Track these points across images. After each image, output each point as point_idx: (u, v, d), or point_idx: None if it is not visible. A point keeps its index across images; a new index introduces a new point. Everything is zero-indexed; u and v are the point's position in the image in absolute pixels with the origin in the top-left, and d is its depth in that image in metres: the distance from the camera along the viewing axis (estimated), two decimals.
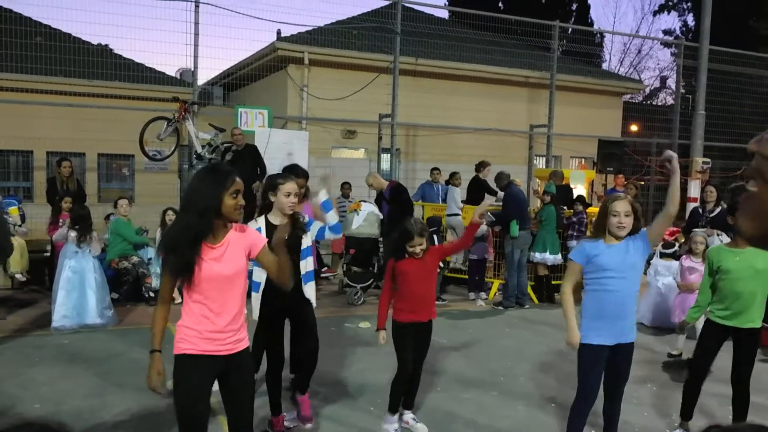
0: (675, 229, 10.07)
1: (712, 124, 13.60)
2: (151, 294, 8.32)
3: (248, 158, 9.42)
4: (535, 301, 9.47)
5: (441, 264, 8.85)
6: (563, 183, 10.69)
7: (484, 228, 9.22)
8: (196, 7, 10.34)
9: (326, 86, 12.54)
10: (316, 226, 4.52)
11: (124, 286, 8.46)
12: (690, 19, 30.87)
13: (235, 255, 2.98)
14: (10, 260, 7.69)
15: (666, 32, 31.86)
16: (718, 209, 8.22)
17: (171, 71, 13.49)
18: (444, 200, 10.59)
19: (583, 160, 15.71)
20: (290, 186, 4.19)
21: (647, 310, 8.05)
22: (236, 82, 13.76)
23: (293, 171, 4.66)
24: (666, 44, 31.51)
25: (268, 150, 9.95)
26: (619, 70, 29.12)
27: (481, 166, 10.64)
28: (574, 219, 9.61)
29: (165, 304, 2.99)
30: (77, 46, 11.50)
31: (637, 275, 3.75)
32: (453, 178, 10.51)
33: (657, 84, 29.21)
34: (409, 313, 4.36)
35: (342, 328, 7.56)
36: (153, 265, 8.56)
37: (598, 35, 28.19)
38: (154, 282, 8.39)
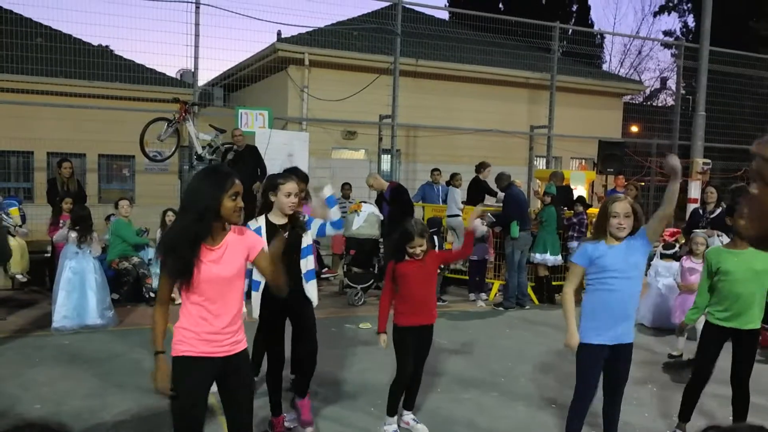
0: (675, 230, 10.09)
1: (712, 125, 13.60)
2: (152, 294, 8.32)
3: (249, 159, 9.42)
4: (536, 301, 9.47)
5: (441, 265, 8.86)
6: (563, 184, 10.69)
7: (484, 229, 9.23)
8: (197, 8, 10.35)
9: (327, 87, 12.55)
10: (316, 223, 4.52)
11: (124, 286, 8.46)
12: (690, 20, 30.90)
13: (233, 257, 2.98)
14: (10, 261, 7.69)
15: (666, 33, 31.90)
16: (719, 210, 8.21)
17: (171, 72, 13.54)
18: (444, 201, 10.59)
19: (583, 161, 15.72)
20: (291, 186, 4.19)
21: (648, 311, 8.05)
22: (237, 83, 13.77)
23: (293, 173, 4.67)
24: (666, 45, 31.57)
25: (268, 151, 9.95)
26: (619, 71, 29.14)
27: (481, 167, 10.64)
28: (575, 220, 9.61)
29: (164, 305, 2.98)
30: (78, 47, 11.51)
31: (639, 275, 3.76)
32: (453, 179, 10.51)
33: (657, 85, 29.23)
34: (410, 316, 4.35)
35: (342, 328, 7.56)
36: (153, 265, 8.56)
37: (599, 36, 28.22)
38: (155, 283, 8.39)
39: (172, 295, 3.00)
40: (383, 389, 4.77)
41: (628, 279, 3.69)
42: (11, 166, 12.71)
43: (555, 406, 5.11)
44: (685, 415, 4.52)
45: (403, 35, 11.95)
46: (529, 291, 9.49)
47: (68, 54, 11.17)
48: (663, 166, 3.88)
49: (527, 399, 5.35)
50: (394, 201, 8.82)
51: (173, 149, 9.95)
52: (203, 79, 13.24)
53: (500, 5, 28.98)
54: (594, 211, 9.37)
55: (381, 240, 9.20)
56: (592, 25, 30.75)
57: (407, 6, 12.57)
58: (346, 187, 11.65)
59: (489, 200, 10.92)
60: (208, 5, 10.47)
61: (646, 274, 7.98)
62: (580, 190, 11.67)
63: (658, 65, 43.48)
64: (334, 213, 4.65)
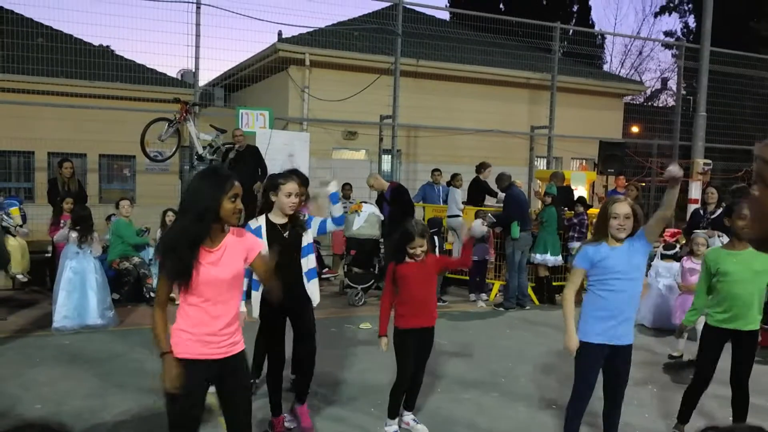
0: (676, 230, 10.09)
1: (713, 125, 13.59)
2: (152, 294, 8.31)
3: (249, 159, 9.43)
4: (536, 302, 9.47)
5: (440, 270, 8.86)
6: (564, 184, 10.69)
7: (484, 229, 9.23)
8: (198, 8, 10.36)
9: (327, 87, 12.55)
10: (316, 221, 4.53)
11: (125, 286, 8.47)
12: (691, 21, 30.89)
13: (232, 259, 2.98)
14: (10, 261, 7.69)
15: (667, 34, 31.89)
16: (719, 211, 8.21)
17: (172, 72, 13.54)
18: (445, 201, 10.59)
19: (584, 161, 15.72)
20: (291, 186, 4.20)
21: (648, 312, 8.05)
22: (237, 84, 13.77)
23: (295, 175, 4.66)
24: (667, 46, 31.54)
25: (269, 151, 9.95)
26: (620, 72, 29.13)
27: (481, 167, 10.65)
28: (575, 220, 9.61)
29: (162, 307, 2.97)
30: (79, 47, 11.52)
31: (640, 276, 3.78)
32: (454, 180, 10.52)
33: (658, 85, 29.25)
34: (411, 318, 4.35)
35: (343, 328, 7.56)
36: (154, 265, 8.56)
37: (599, 37, 28.22)
38: (155, 283, 8.38)
39: (171, 294, 3.00)
40: (383, 389, 4.77)
41: (630, 280, 3.71)
42: (12, 166, 12.72)
43: (555, 406, 5.11)
44: (684, 416, 4.52)
45: (403, 35, 11.95)
46: (530, 291, 9.49)
47: (69, 54, 11.18)
48: (663, 174, 3.89)
49: (527, 399, 5.35)
50: (395, 201, 8.82)
51: (174, 149, 9.96)
52: (204, 79, 13.22)
53: (501, 6, 28.99)
54: (594, 211, 9.37)
55: (381, 240, 9.20)
56: (592, 26, 30.75)
57: (408, 6, 12.57)
58: (346, 188, 11.65)
59: (489, 200, 10.92)
60: (209, 5, 10.48)
61: (646, 275, 7.99)
62: (580, 191, 11.67)
63: (659, 66, 43.57)
64: (337, 209, 4.66)
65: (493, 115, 14.09)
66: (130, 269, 8.50)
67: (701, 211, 8.84)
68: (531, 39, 13.95)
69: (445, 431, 4.66)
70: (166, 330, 2.95)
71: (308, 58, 12.80)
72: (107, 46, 13.62)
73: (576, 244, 9.31)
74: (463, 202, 10.38)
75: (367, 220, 8.90)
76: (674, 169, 3.53)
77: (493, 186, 10.01)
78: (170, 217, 8.55)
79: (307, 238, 4.40)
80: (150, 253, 8.78)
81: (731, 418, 4.43)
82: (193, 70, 10.78)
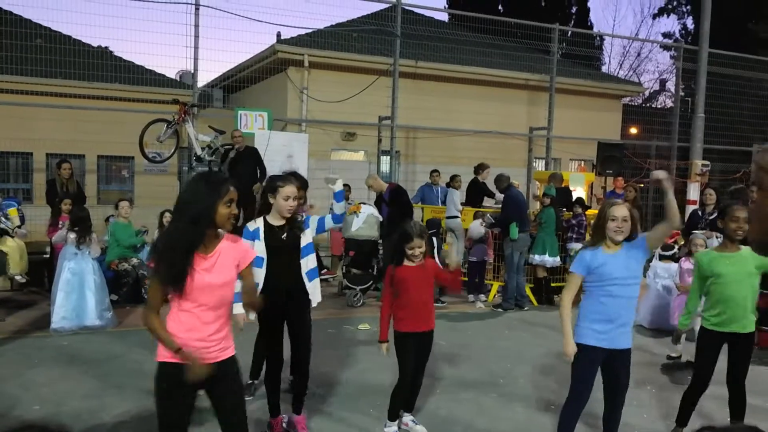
0: (674, 231, 10.10)
1: (711, 126, 13.63)
2: None
3: (249, 160, 9.43)
4: (535, 303, 9.47)
5: (440, 266, 8.86)
6: (563, 185, 10.70)
7: (482, 230, 9.24)
8: (196, 9, 10.36)
9: (326, 88, 12.56)
10: (314, 220, 4.53)
11: (123, 287, 8.46)
12: (689, 22, 30.89)
13: (225, 266, 2.97)
14: (10, 262, 7.69)
15: (665, 35, 31.89)
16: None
17: (171, 73, 13.54)
18: (443, 202, 10.60)
19: (582, 162, 15.73)
20: (289, 189, 4.20)
21: (647, 312, 8.06)
22: (236, 85, 13.78)
23: (294, 178, 4.66)
24: (665, 47, 31.56)
25: (267, 152, 9.96)
26: (618, 73, 29.15)
27: (480, 168, 10.66)
28: (574, 221, 9.63)
29: (155, 311, 2.93)
30: (77, 48, 11.51)
31: (637, 282, 3.77)
32: (453, 181, 10.53)
33: (656, 87, 29.24)
34: (411, 322, 4.34)
35: (341, 329, 7.56)
36: None
37: (598, 38, 28.25)
38: None
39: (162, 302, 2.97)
40: (383, 390, 4.78)
41: (627, 286, 3.71)
42: (10, 167, 12.71)
43: (554, 407, 5.11)
44: (683, 418, 4.52)
45: (402, 37, 11.96)
46: (528, 292, 9.49)
47: (68, 55, 11.18)
48: (654, 185, 3.98)
49: (526, 400, 5.36)
50: (394, 202, 8.82)
51: (172, 150, 9.95)
52: (203, 80, 13.28)
53: (500, 7, 28.99)
54: (593, 212, 9.39)
55: (380, 241, 9.20)
56: (591, 27, 30.77)
57: (407, 8, 12.59)
58: (345, 189, 11.62)
59: (488, 201, 10.93)
60: (208, 7, 10.48)
61: (645, 276, 8.00)
62: (579, 192, 11.69)
63: (658, 67, 43.63)
64: (339, 207, 4.68)
65: (491, 117, 14.10)
66: (129, 270, 8.50)
67: (699, 212, 8.85)
68: (530, 40, 13.96)
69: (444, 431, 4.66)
70: (166, 329, 2.93)
71: (307, 59, 12.80)
72: (106, 47, 13.63)
73: (574, 245, 9.33)
74: (461, 203, 10.39)
75: (365, 221, 8.90)
76: (657, 173, 3.66)
77: (491, 187, 10.01)
78: (168, 218, 8.54)
79: (306, 238, 4.40)
80: (147, 252, 8.77)
81: (729, 419, 4.43)
82: (192, 71, 10.78)
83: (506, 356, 6.69)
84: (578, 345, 3.76)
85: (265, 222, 4.30)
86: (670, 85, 24.55)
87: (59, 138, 11.87)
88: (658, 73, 35.21)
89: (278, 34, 12.80)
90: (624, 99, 17.84)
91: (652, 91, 28.86)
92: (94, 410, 4.81)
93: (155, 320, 2.91)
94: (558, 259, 9.33)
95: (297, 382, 4.51)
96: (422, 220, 9.82)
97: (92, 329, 7.12)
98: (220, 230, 2.99)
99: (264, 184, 4.50)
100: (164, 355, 2.94)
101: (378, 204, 9.28)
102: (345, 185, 11.42)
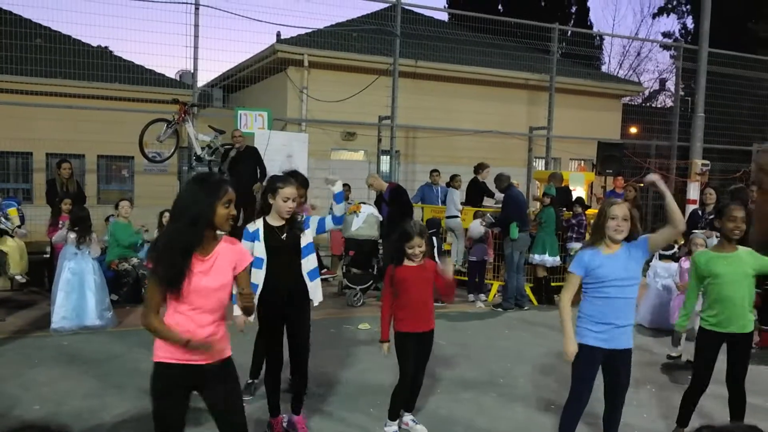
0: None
1: (711, 126, 13.62)
2: None
3: (249, 160, 9.43)
4: (535, 302, 9.47)
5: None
6: (562, 185, 10.70)
7: (482, 230, 9.24)
8: (196, 9, 10.36)
9: (326, 88, 12.56)
10: (314, 221, 4.53)
11: (124, 287, 8.46)
12: (689, 22, 30.90)
13: (222, 269, 2.96)
14: (10, 262, 7.69)
15: (665, 35, 31.89)
16: None
17: (171, 73, 13.54)
18: (443, 202, 10.61)
19: (582, 162, 15.73)
20: (289, 191, 4.21)
21: (646, 312, 8.06)
22: (236, 84, 13.77)
23: (295, 178, 4.66)
24: (665, 47, 31.56)
25: (267, 152, 9.96)
26: (618, 73, 29.14)
27: (479, 168, 10.66)
28: (574, 221, 9.63)
29: (155, 311, 2.91)
30: (77, 48, 11.51)
31: (635, 283, 3.76)
32: (453, 181, 10.53)
33: (656, 86, 29.23)
34: (411, 322, 4.35)
35: (341, 329, 7.57)
36: None
37: (598, 38, 28.24)
38: None
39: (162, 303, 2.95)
40: (383, 389, 4.78)
41: (625, 287, 3.70)
42: (10, 167, 12.70)
43: (554, 406, 5.11)
44: (683, 419, 4.52)
45: (402, 36, 11.96)
46: (528, 292, 9.50)
47: (67, 55, 11.18)
48: (647, 186, 4.03)
49: (526, 400, 5.36)
50: (394, 202, 8.83)
51: (172, 150, 9.96)
52: (202, 80, 13.26)
53: (499, 7, 28.99)
54: (593, 212, 9.39)
55: (380, 241, 9.20)
56: (591, 27, 30.77)
57: (406, 7, 12.58)
58: (345, 188, 11.60)
59: (488, 201, 10.93)
60: (208, 6, 10.48)
61: (645, 275, 8.00)
62: (579, 192, 11.69)
63: (657, 66, 43.52)
64: (339, 209, 4.68)
65: (491, 116, 14.10)
66: (129, 270, 8.50)
67: (699, 212, 8.85)
68: (529, 40, 13.96)
69: (444, 431, 4.66)
70: (170, 326, 2.91)
71: (307, 59, 12.80)
72: (105, 47, 13.62)
73: (574, 245, 9.33)
74: (461, 203, 10.40)
75: (365, 220, 8.91)
76: (649, 176, 3.74)
77: (492, 187, 10.01)
78: (167, 218, 8.53)
79: (307, 238, 4.40)
80: (146, 251, 8.77)
81: (729, 419, 4.43)
82: (192, 71, 10.78)
83: (506, 356, 6.69)
84: (578, 345, 3.77)
85: (265, 223, 4.31)
86: (670, 85, 24.57)
87: (59, 138, 11.87)
88: (658, 72, 35.14)
89: (278, 34, 12.82)
90: (624, 98, 17.84)
91: (651, 90, 28.88)
92: (94, 410, 4.81)
93: (155, 320, 2.90)
94: (558, 258, 9.33)
95: (296, 382, 4.52)
96: (422, 220, 9.82)
97: (92, 329, 7.12)
98: (218, 232, 2.99)
99: (264, 184, 4.50)
100: (160, 355, 2.93)
101: (378, 203, 9.28)
102: (345, 185, 11.47)
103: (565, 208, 9.92)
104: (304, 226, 4.42)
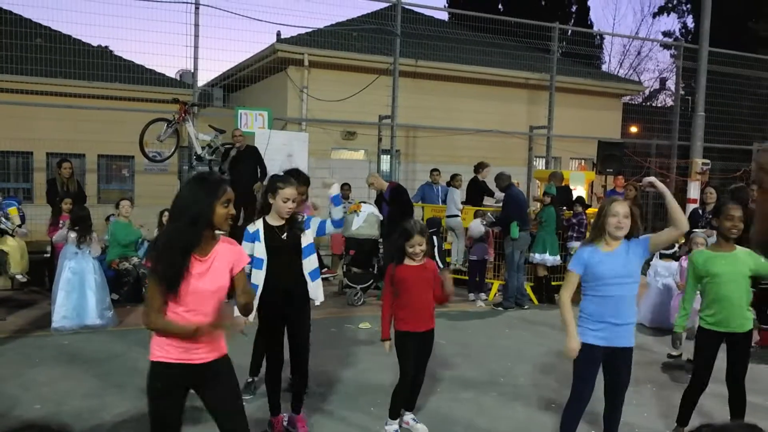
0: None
1: (711, 125, 13.62)
2: None
3: (249, 159, 9.43)
4: (535, 302, 9.47)
5: (441, 265, 8.87)
6: (563, 184, 10.70)
7: (482, 229, 9.24)
8: (196, 8, 10.35)
9: (326, 88, 12.55)
10: (315, 222, 4.53)
11: (124, 287, 8.47)
12: (689, 21, 30.90)
13: (220, 271, 2.96)
14: (10, 261, 7.70)
15: (665, 34, 31.89)
16: None
17: (171, 73, 13.53)
18: (444, 201, 10.61)
19: (582, 161, 15.73)
20: (289, 191, 4.21)
21: (647, 311, 8.06)
22: (236, 84, 13.77)
23: (295, 177, 4.65)
24: (665, 46, 31.56)
25: (267, 151, 9.95)
26: (618, 72, 29.14)
27: (479, 167, 10.66)
28: (574, 220, 9.62)
29: (158, 311, 2.89)
30: (77, 48, 11.51)
31: (634, 281, 3.75)
32: (453, 180, 10.53)
33: (656, 85, 29.22)
34: (411, 322, 4.35)
35: (342, 328, 7.57)
36: None
37: (598, 37, 28.23)
38: None
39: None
40: (383, 389, 4.78)
41: (623, 285, 3.69)
42: (11, 166, 12.71)
43: (554, 405, 5.12)
44: (683, 418, 4.52)
45: (402, 36, 11.95)
46: (529, 291, 9.50)
47: (67, 54, 11.17)
48: (644, 189, 4.06)
49: (526, 399, 5.36)
50: (394, 201, 8.83)
51: (173, 150, 9.96)
52: (203, 79, 13.24)
53: (500, 6, 28.98)
54: (593, 211, 9.38)
55: (380, 240, 9.20)
56: (591, 26, 30.76)
57: (407, 7, 12.57)
58: (345, 188, 11.64)
59: (488, 200, 10.93)
60: (208, 6, 10.47)
61: (645, 274, 8.00)
62: (579, 191, 11.69)
63: (658, 66, 43.48)
64: (337, 212, 4.67)
65: (491, 116, 14.09)
66: (130, 269, 8.50)
67: (700, 211, 8.85)
68: (530, 39, 13.95)
69: (444, 431, 4.66)
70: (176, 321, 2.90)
71: (307, 58, 12.79)
72: (106, 47, 13.62)
73: (575, 244, 9.33)
74: (462, 202, 10.39)
75: (366, 220, 8.91)
76: (646, 179, 3.78)
77: (492, 186, 10.01)
78: (167, 217, 8.53)
79: (307, 238, 4.41)
80: (144, 250, 8.77)
81: (729, 418, 4.43)
82: (192, 71, 10.78)
83: (507, 355, 6.69)
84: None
85: (265, 223, 4.31)
86: (670, 84, 24.55)
87: (59, 137, 11.86)
88: (659, 71, 35.15)
89: (278, 33, 12.81)
90: (624, 98, 17.83)
91: (652, 89, 28.87)
92: (95, 409, 4.81)
93: (159, 319, 2.89)
94: (558, 257, 9.32)
95: (297, 381, 4.52)
96: (422, 219, 9.82)
97: (93, 328, 7.12)
98: (216, 232, 2.99)
99: (265, 183, 4.50)
100: (158, 354, 2.94)
101: (378, 203, 9.28)
102: (345, 184, 11.53)
103: (565, 208, 9.92)
104: (304, 226, 4.42)
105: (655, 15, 32.27)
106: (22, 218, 8.48)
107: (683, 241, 8.54)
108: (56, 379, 5.49)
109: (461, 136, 13.75)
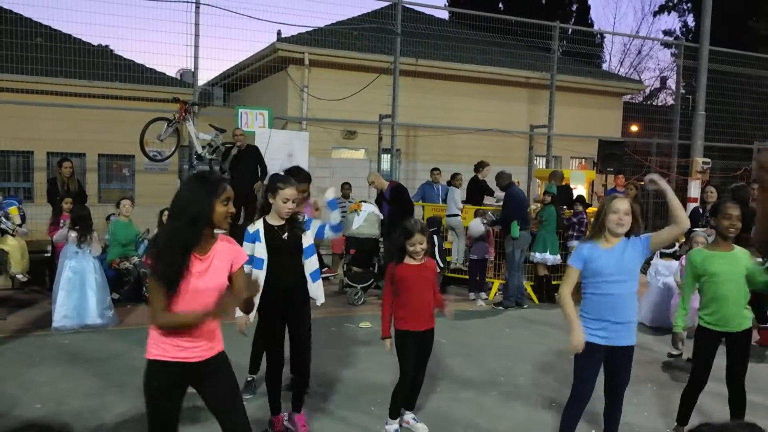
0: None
1: (712, 124, 13.61)
2: None
3: (250, 159, 9.44)
4: (535, 301, 9.47)
5: (441, 264, 8.88)
6: (563, 183, 10.70)
7: (483, 228, 9.24)
8: (197, 7, 10.36)
9: (326, 87, 12.56)
10: (315, 224, 4.53)
11: (125, 286, 8.47)
12: (690, 20, 30.90)
13: (219, 269, 2.97)
14: (11, 260, 7.70)
15: (666, 33, 31.89)
16: None
17: (171, 72, 13.54)
18: (444, 201, 10.61)
19: (583, 160, 15.72)
20: (289, 192, 4.20)
21: (647, 310, 8.05)
22: (237, 83, 13.77)
23: (297, 175, 4.65)
24: (666, 45, 31.56)
25: (268, 151, 9.96)
26: (619, 71, 29.14)
27: (480, 166, 10.66)
28: (575, 219, 9.62)
29: (163, 310, 2.87)
30: (77, 47, 11.50)
31: (633, 278, 3.74)
32: (454, 179, 10.53)
33: (657, 84, 29.23)
34: (411, 321, 4.35)
35: (342, 328, 7.57)
36: None
37: (598, 36, 28.21)
38: None
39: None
40: (383, 389, 4.78)
41: (622, 283, 3.68)
42: (11, 166, 12.71)
43: (555, 405, 5.12)
44: (683, 417, 4.52)
45: (403, 35, 11.95)
46: (529, 290, 9.50)
47: (68, 54, 11.17)
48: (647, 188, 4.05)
49: (527, 398, 5.36)
50: (394, 200, 8.83)
51: (173, 149, 9.96)
52: (203, 78, 13.23)
53: (500, 5, 28.98)
54: (594, 210, 9.38)
55: (381, 239, 9.20)
56: (591, 25, 30.76)
57: (407, 6, 12.57)
58: (345, 187, 11.65)
59: (488, 200, 10.93)
60: (208, 5, 10.47)
61: (646, 273, 8.00)
62: (579, 190, 11.69)
63: (658, 65, 43.49)
64: (335, 217, 4.66)
65: (492, 115, 14.09)
66: (130, 269, 8.51)
67: (700, 210, 8.84)
68: (530, 38, 13.95)
69: (444, 430, 4.66)
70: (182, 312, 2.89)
71: (307, 57, 12.79)
72: (106, 46, 13.62)
73: (575, 243, 9.32)
74: (462, 202, 10.39)
75: (366, 219, 8.91)
76: (649, 176, 3.76)
77: (492, 185, 10.00)
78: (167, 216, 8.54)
79: (308, 239, 4.41)
80: (144, 248, 8.77)
81: (729, 417, 4.43)
82: (193, 70, 10.78)
83: (507, 354, 6.69)
84: None
85: (265, 223, 4.31)
86: (671, 83, 24.52)
87: (60, 137, 11.87)
88: (659, 70, 35.15)
89: (278, 33, 12.81)
90: (625, 97, 17.83)
91: (652, 88, 28.87)
92: (95, 409, 4.82)
93: (166, 315, 2.87)
94: (559, 257, 9.32)
95: (297, 381, 4.52)
96: (423, 219, 9.82)
97: (93, 328, 7.13)
98: (216, 230, 2.99)
99: (265, 182, 4.50)
100: (155, 353, 2.94)
101: (379, 202, 9.29)
102: (346, 183, 11.52)
103: (566, 207, 9.92)
104: (305, 226, 4.42)
105: (655, 14, 32.35)
106: (23, 218, 8.49)
107: (684, 239, 8.54)
108: (57, 379, 5.49)
109: (462, 135, 13.75)
